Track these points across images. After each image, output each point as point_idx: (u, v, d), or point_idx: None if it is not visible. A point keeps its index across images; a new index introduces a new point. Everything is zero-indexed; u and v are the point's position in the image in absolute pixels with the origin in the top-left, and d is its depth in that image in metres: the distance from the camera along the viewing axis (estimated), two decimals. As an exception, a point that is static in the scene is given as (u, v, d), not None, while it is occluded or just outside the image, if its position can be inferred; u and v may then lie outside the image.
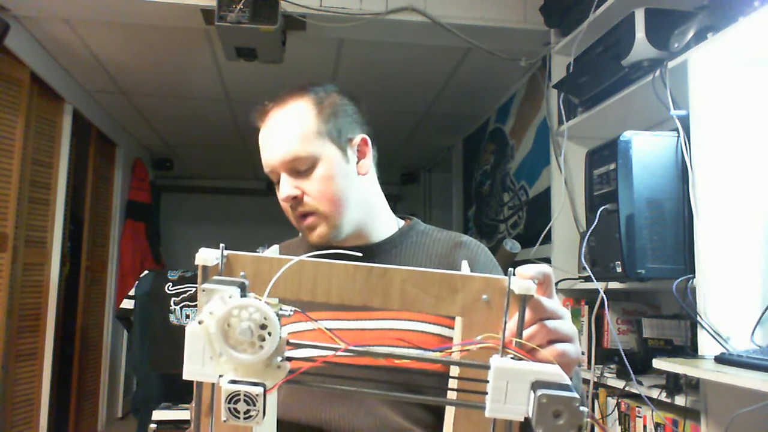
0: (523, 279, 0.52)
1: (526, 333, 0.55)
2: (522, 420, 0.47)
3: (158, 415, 2.63)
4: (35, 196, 3.01)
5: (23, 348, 2.94)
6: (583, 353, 2.04)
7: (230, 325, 0.46)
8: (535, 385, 0.45)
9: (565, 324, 0.59)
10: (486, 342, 0.51)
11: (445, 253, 0.98)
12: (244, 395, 0.46)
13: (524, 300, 0.51)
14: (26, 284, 2.95)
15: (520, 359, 0.49)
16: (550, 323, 0.57)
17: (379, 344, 0.87)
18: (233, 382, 0.46)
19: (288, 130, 0.92)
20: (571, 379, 0.69)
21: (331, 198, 0.92)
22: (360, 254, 0.63)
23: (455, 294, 0.52)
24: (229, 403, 0.46)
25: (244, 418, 0.46)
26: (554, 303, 0.59)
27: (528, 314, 0.55)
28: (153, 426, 2.60)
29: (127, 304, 2.87)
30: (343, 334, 0.88)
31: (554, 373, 0.46)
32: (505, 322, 0.51)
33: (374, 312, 0.90)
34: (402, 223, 1.05)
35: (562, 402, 0.43)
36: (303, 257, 0.54)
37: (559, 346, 0.57)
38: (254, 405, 0.46)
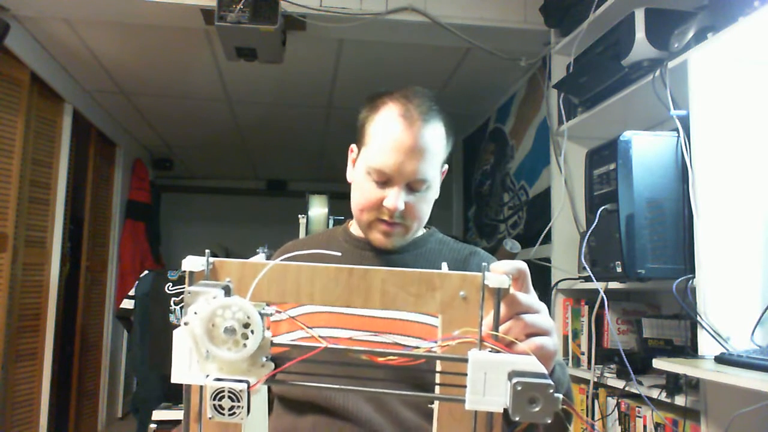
0: (498, 274, 0.54)
1: (502, 328, 0.57)
2: (500, 411, 0.48)
3: (158, 415, 2.63)
4: (35, 196, 3.01)
5: (23, 348, 2.94)
6: (583, 353, 2.04)
7: (215, 325, 0.48)
8: (511, 375, 0.46)
9: (541, 318, 0.61)
10: (465, 336, 0.52)
11: (462, 259, 1.05)
12: (228, 392, 0.47)
13: (498, 293, 0.53)
14: (26, 284, 2.95)
15: (498, 352, 0.50)
16: (526, 317, 0.59)
17: (387, 332, 0.91)
18: (218, 380, 0.48)
19: (428, 154, 0.96)
20: (554, 371, 0.70)
21: (421, 219, 1.00)
22: (338, 254, 0.65)
23: (434, 291, 0.54)
24: (213, 399, 0.47)
25: (229, 415, 0.47)
26: (530, 298, 0.61)
27: (504, 309, 0.57)
28: (153, 426, 2.60)
29: (127, 304, 2.88)
30: (355, 319, 0.92)
31: (530, 363, 0.47)
32: (481, 317, 0.52)
33: None
34: (423, 229, 1.12)
35: (536, 389, 0.45)
36: (278, 261, 0.55)
37: (537, 340, 0.59)
38: (238, 402, 0.47)
